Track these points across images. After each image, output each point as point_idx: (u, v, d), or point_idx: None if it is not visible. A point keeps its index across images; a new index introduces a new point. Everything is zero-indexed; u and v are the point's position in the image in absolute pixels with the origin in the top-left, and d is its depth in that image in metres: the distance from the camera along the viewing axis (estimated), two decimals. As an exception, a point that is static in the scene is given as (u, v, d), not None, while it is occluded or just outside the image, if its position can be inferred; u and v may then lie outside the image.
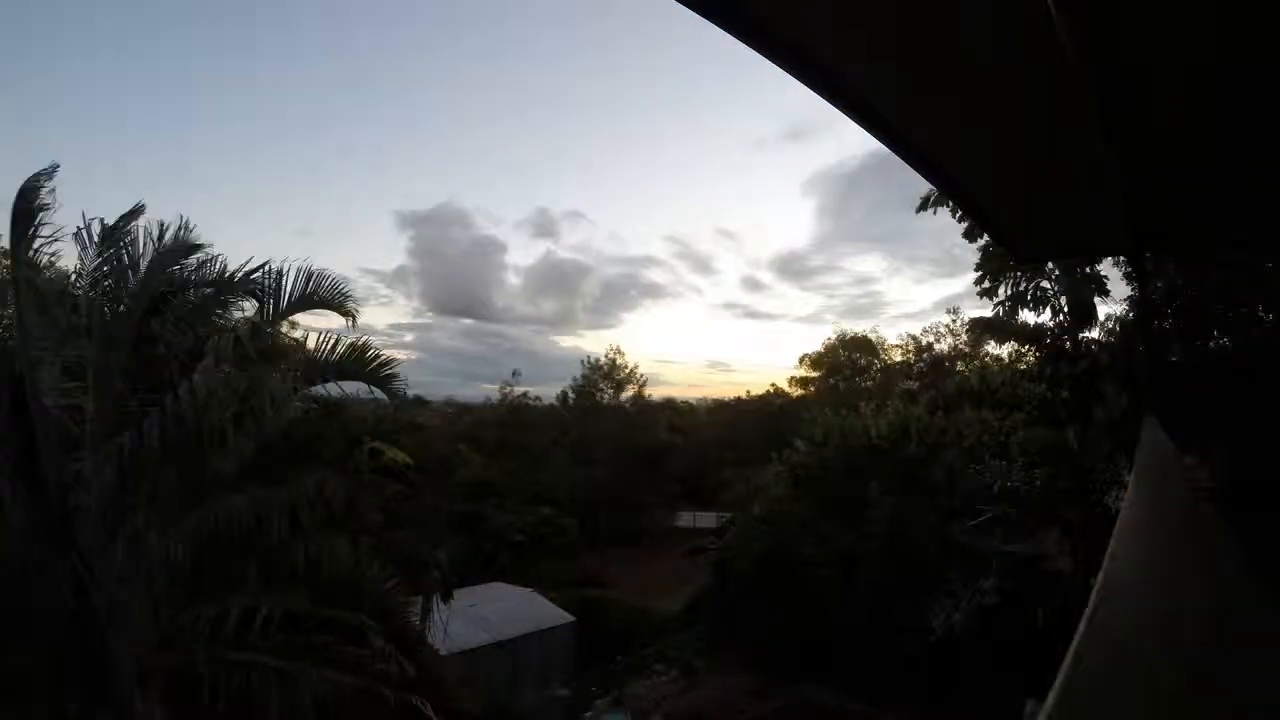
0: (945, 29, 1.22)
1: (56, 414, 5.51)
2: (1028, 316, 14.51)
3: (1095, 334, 13.84)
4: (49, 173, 6.31)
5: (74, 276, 6.94)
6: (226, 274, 7.04)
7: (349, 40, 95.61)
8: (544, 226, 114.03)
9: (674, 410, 46.08)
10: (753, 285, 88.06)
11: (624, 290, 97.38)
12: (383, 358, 7.10)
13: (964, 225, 13.26)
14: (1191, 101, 1.59)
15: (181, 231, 7.06)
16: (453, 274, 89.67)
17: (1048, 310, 14.05)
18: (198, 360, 5.82)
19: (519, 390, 37.77)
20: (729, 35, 1.09)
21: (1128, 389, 11.35)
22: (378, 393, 7.40)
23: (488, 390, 41.77)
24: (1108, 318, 13.57)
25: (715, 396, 54.87)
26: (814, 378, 39.30)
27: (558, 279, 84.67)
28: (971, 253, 14.51)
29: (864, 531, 14.84)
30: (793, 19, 1.15)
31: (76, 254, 6.59)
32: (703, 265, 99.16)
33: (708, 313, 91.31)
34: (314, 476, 6.64)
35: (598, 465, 32.95)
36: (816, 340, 62.37)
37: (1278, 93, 1.51)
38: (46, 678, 5.35)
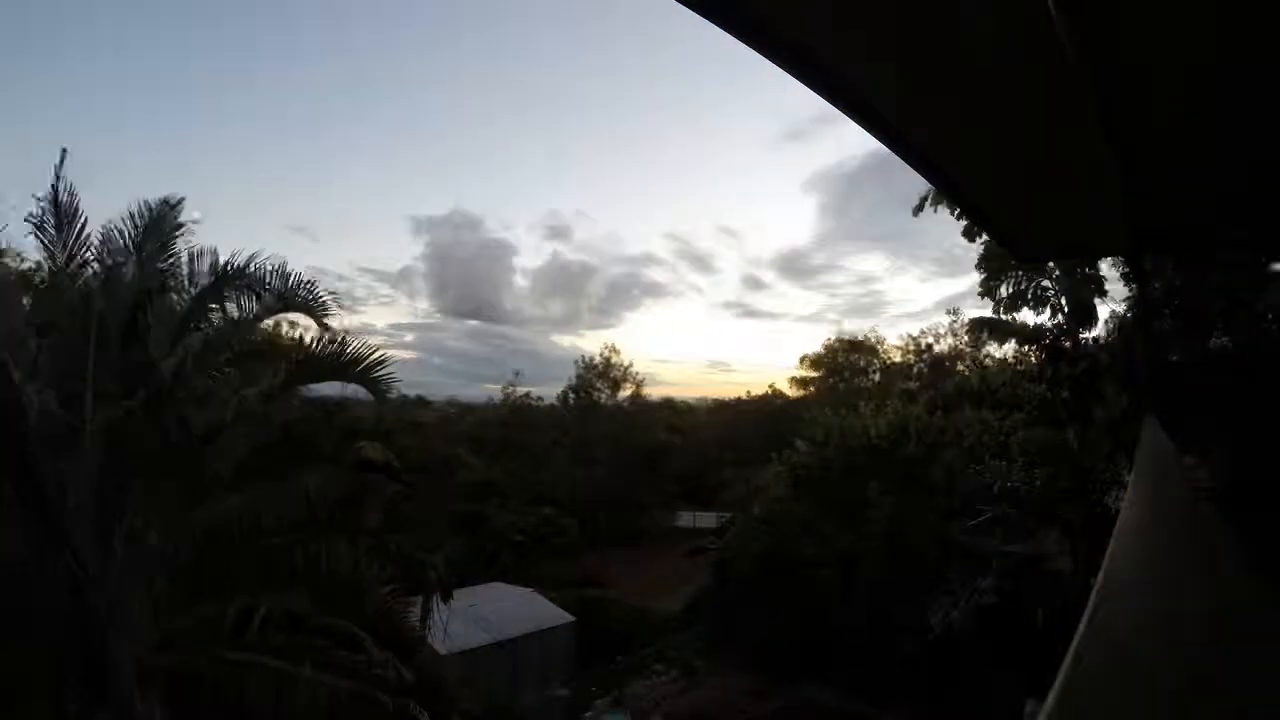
0: (945, 29, 1.22)
1: (49, 412, 5.49)
2: (1028, 316, 14.55)
3: (1095, 334, 13.87)
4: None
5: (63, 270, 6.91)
6: (220, 266, 7.01)
7: (349, 40, 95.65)
8: (546, 227, 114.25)
9: (674, 410, 46.12)
10: (754, 284, 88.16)
11: (625, 290, 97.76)
12: (372, 357, 7.01)
13: (964, 224, 13.28)
14: (1191, 101, 1.59)
15: (167, 210, 7.04)
16: (455, 274, 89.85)
17: (1048, 310, 14.08)
18: (193, 358, 5.82)
19: (521, 390, 37.87)
20: (729, 35, 1.09)
21: (1128, 389, 11.36)
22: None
23: (490, 390, 41.82)
24: (1108, 317, 13.60)
25: (715, 396, 54.95)
26: (814, 378, 39.33)
27: (560, 280, 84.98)
28: (973, 251, 14.54)
29: (864, 531, 14.84)
30: (793, 19, 1.15)
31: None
32: (704, 265, 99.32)
33: (708, 312, 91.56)
34: (314, 476, 6.64)
35: (598, 465, 32.98)
36: (818, 340, 62.56)
37: (1278, 93, 1.51)
38: (46, 678, 5.35)
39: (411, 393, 36.72)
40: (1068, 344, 13.84)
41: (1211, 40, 1.29)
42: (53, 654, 5.35)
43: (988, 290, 14.48)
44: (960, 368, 26.92)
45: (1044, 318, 14.23)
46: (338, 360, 6.94)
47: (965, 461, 14.38)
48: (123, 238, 6.80)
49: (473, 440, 33.35)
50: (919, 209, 13.59)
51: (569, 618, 18.19)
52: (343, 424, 20.00)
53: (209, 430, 6.36)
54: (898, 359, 36.14)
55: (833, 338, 39.57)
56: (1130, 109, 1.50)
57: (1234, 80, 1.46)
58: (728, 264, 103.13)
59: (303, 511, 6.34)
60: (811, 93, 1.30)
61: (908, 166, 1.81)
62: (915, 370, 32.97)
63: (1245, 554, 1.47)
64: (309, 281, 7.11)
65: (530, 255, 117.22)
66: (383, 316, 78.49)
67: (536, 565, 23.97)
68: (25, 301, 6.82)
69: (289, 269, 7.01)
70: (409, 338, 73.82)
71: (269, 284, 6.94)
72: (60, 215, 6.34)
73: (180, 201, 7.22)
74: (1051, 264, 13.04)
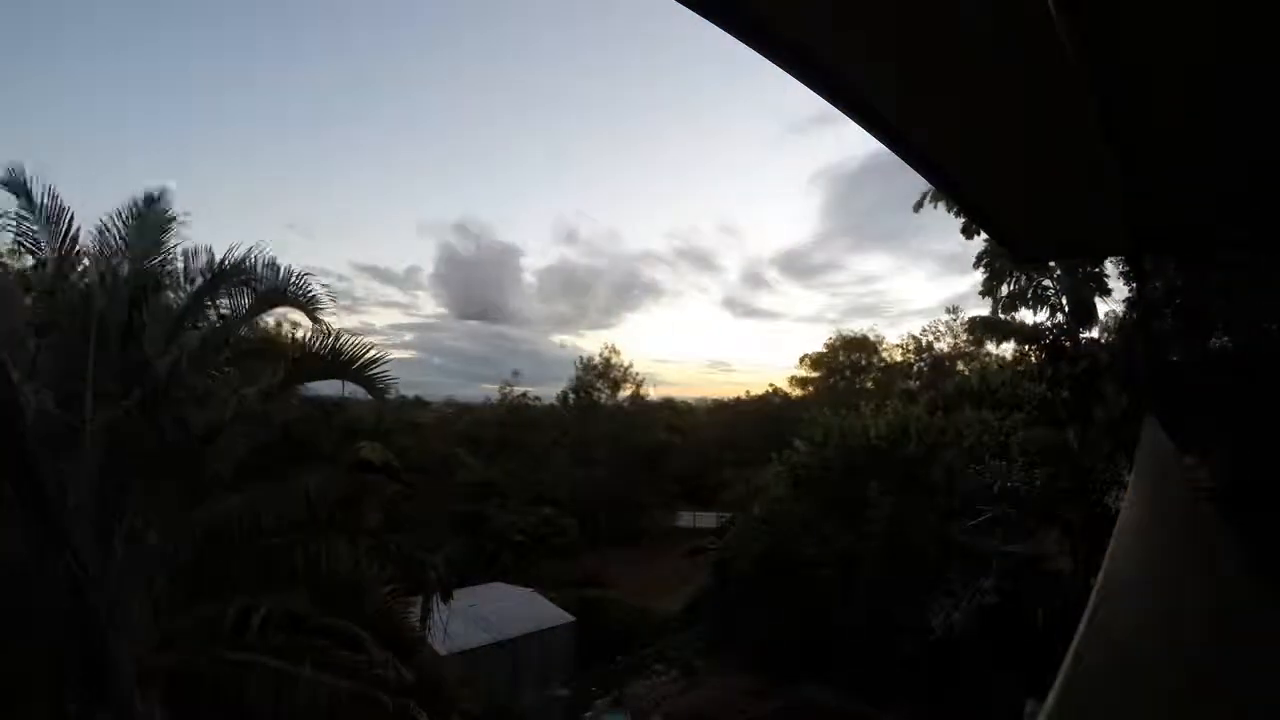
0: (945, 29, 1.22)
1: (48, 412, 5.50)
2: (1028, 316, 14.55)
3: (1095, 333, 13.87)
4: None
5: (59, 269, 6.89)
6: (218, 262, 6.99)
7: (350, 41, 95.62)
8: (546, 227, 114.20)
9: (673, 410, 46.13)
10: (756, 284, 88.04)
11: (626, 289, 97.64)
12: (367, 355, 6.98)
13: (963, 221, 13.27)
14: (1191, 101, 1.59)
15: (152, 203, 7.00)
16: (457, 275, 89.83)
17: (1048, 309, 14.08)
18: (190, 357, 5.82)
19: (519, 390, 37.88)
20: (729, 35, 1.09)
21: (1128, 389, 11.36)
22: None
23: (488, 390, 41.80)
24: (1108, 315, 13.60)
25: (715, 396, 54.95)
26: (814, 378, 39.34)
27: (560, 279, 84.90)
28: (974, 249, 14.51)
29: (864, 531, 14.84)
30: (793, 19, 1.15)
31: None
32: (704, 264, 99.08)
33: (709, 312, 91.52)
34: (314, 476, 6.64)
35: (598, 465, 32.98)
36: (820, 339, 62.50)
37: (1278, 93, 1.51)
38: (46, 678, 5.35)
39: (410, 393, 36.77)
40: (1068, 343, 13.84)
41: (1211, 40, 1.29)
42: (53, 654, 5.35)
43: (989, 289, 14.48)
44: (960, 367, 26.93)
45: (1043, 316, 14.24)
46: (335, 358, 6.93)
47: (965, 461, 14.38)
48: (113, 235, 6.76)
49: (470, 440, 33.36)
50: (919, 205, 13.57)
51: (569, 618, 18.19)
52: (342, 424, 20.01)
53: (209, 430, 6.36)
54: (898, 358, 36.17)
55: (834, 337, 39.60)
56: (1130, 109, 1.50)
57: (1234, 80, 1.46)
58: (729, 263, 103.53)
59: (303, 511, 6.34)
60: (812, 92, 1.30)
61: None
62: (916, 370, 32.98)
63: (1245, 554, 1.47)
64: (300, 275, 7.06)
65: (531, 255, 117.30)
66: (383, 317, 78.52)
67: (536, 565, 23.98)
68: (28, 301, 6.80)
69: (279, 263, 6.98)
70: (408, 337, 73.88)
71: (262, 276, 6.89)
72: (42, 215, 6.32)
73: (163, 193, 7.12)
74: (1052, 263, 13.04)
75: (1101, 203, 2.26)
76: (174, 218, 7.05)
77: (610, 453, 33.76)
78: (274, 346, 7.52)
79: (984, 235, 12.72)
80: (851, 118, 1.45)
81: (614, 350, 37.39)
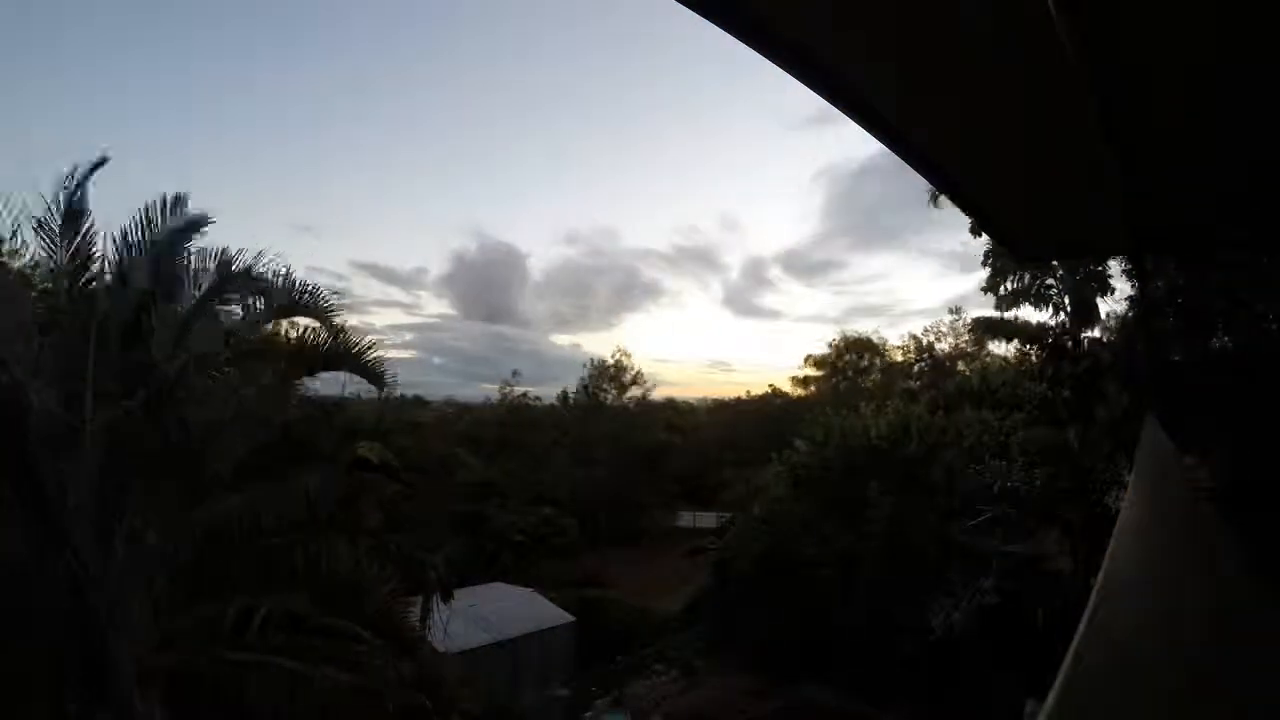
0: (945, 29, 1.22)
1: (49, 412, 5.50)
2: (1029, 314, 14.52)
3: (1097, 332, 13.84)
4: None
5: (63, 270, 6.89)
6: (227, 267, 7.03)
7: (351, 41, 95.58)
8: (547, 227, 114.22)
9: (674, 410, 46.12)
10: (757, 283, 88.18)
11: (626, 289, 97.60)
12: (363, 343, 7.17)
13: (970, 220, 13.22)
14: (1191, 101, 1.59)
15: (179, 208, 7.04)
16: (458, 276, 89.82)
17: (1049, 308, 14.05)
18: (193, 357, 5.82)
19: (518, 390, 37.89)
20: (729, 35, 1.09)
21: (1129, 388, 11.35)
22: (375, 390, 7.42)
23: (488, 390, 41.80)
24: (1109, 314, 13.57)
25: (716, 396, 54.92)
26: (815, 377, 39.32)
27: (561, 279, 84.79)
28: (977, 247, 14.47)
29: (864, 531, 14.84)
30: (793, 19, 1.15)
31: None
32: (706, 264, 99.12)
33: (710, 311, 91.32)
34: (314, 476, 6.64)
35: (598, 465, 32.98)
36: (822, 339, 62.46)
37: (1278, 93, 1.51)
38: (46, 678, 5.35)
39: (410, 393, 36.74)
40: (1069, 342, 13.83)
41: (1211, 40, 1.29)
42: (53, 654, 5.35)
43: (991, 286, 14.43)
44: (961, 367, 26.91)
45: (1045, 315, 14.22)
46: (333, 351, 7.01)
47: (965, 461, 14.37)
48: (132, 237, 6.79)
49: (470, 440, 33.36)
50: (935, 198, 13.42)
51: (569, 618, 18.19)
52: (342, 424, 19.99)
53: (209, 430, 6.36)
54: (900, 358, 36.14)
55: (837, 337, 39.56)
56: (1130, 109, 1.50)
57: (1234, 80, 1.46)
58: (730, 263, 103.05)
59: (303, 511, 6.34)
60: (812, 92, 1.30)
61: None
62: (917, 370, 32.95)
63: (1245, 554, 1.46)
64: (316, 287, 7.22)
65: (532, 255, 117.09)
66: (383, 316, 78.43)
67: (536, 565, 23.98)
68: (33, 298, 6.80)
69: (287, 267, 7.09)
70: (408, 337, 73.72)
71: (273, 286, 7.00)
72: (67, 215, 6.37)
73: (183, 198, 7.18)
74: (1055, 262, 13.01)
75: (1101, 203, 2.26)
76: (197, 223, 7.07)
77: (610, 453, 33.76)
78: (274, 346, 7.51)
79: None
80: (851, 118, 1.45)
81: (625, 353, 37.47)
